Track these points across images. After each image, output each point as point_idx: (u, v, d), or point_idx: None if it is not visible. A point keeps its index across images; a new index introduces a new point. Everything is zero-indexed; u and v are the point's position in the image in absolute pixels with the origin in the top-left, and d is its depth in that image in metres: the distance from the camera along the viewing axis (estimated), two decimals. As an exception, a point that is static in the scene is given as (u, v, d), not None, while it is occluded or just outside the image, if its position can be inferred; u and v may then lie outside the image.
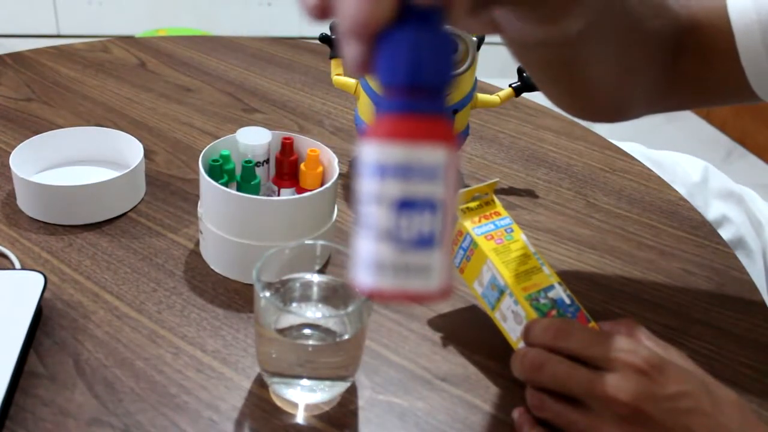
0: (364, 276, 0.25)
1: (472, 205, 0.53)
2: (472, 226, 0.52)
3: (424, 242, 0.23)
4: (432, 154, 0.23)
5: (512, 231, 0.52)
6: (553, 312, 0.48)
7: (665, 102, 0.57)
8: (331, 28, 0.70)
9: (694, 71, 0.54)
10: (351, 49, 0.26)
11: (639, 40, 0.51)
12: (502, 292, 0.50)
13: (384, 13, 0.24)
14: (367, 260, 0.24)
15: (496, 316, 0.51)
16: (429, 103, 0.24)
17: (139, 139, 0.66)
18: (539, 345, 0.45)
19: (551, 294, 0.49)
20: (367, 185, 0.24)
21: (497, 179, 0.54)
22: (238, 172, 0.60)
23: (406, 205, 0.23)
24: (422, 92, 0.24)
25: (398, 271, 0.23)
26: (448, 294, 0.25)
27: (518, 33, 0.35)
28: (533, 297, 0.49)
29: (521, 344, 0.48)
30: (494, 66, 1.73)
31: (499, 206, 0.54)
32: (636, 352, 0.41)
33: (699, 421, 0.40)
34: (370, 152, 0.24)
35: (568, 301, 0.49)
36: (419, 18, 0.24)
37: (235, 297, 0.55)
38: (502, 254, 0.50)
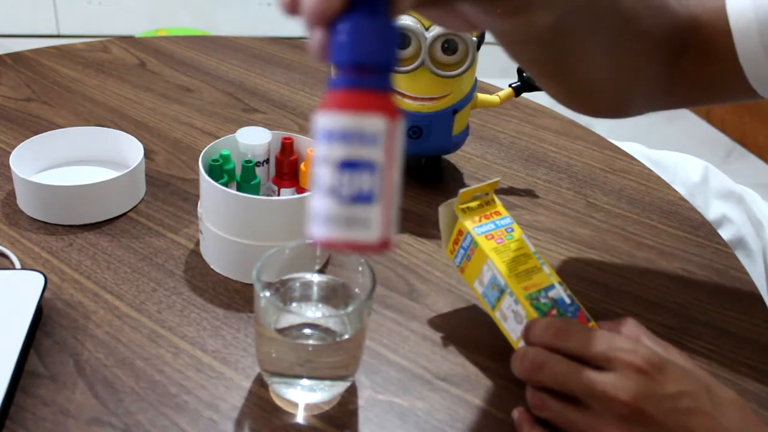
0: (314, 228, 0.28)
1: (473, 204, 0.53)
2: (472, 225, 0.52)
3: (364, 198, 0.27)
4: (371, 123, 0.27)
5: (512, 231, 0.52)
6: (554, 311, 0.48)
7: (666, 100, 0.57)
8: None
9: (694, 70, 0.54)
10: (312, 37, 0.29)
11: (636, 38, 0.51)
12: (502, 292, 0.50)
13: (336, 3, 0.28)
14: (317, 214, 0.28)
15: (497, 316, 0.51)
16: (371, 80, 0.28)
17: (139, 139, 0.66)
18: (539, 344, 0.45)
19: (551, 293, 0.49)
20: (318, 149, 0.28)
21: (497, 179, 0.54)
22: (238, 172, 0.60)
23: (347, 165, 0.27)
24: (365, 70, 0.28)
25: (342, 224, 0.27)
26: (388, 246, 0.28)
27: (488, 27, 0.36)
28: (533, 296, 0.49)
29: (521, 344, 0.48)
30: (494, 66, 1.73)
31: (499, 206, 0.54)
32: (636, 351, 0.41)
33: (699, 420, 0.40)
34: (320, 121, 0.28)
35: (568, 300, 0.49)
36: (367, 7, 0.27)
37: (235, 297, 0.55)
38: (502, 254, 0.50)
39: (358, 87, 0.27)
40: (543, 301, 0.49)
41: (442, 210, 0.54)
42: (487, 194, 0.54)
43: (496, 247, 0.51)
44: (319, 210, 0.28)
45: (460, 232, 0.52)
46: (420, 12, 0.33)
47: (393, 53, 0.28)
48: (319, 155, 0.28)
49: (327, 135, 0.27)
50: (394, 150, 0.28)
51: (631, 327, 0.48)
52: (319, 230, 0.28)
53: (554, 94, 0.55)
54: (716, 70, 0.53)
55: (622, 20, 0.49)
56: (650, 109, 0.58)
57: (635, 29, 0.50)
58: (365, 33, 0.27)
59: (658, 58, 0.53)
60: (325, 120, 0.27)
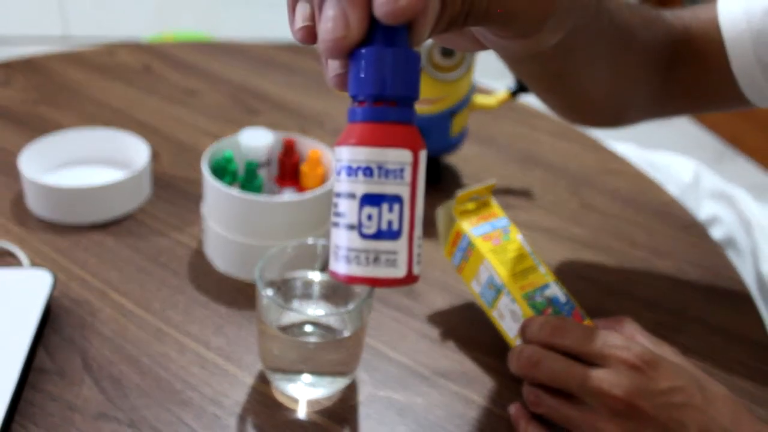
0: (338, 265, 0.27)
1: (470, 206, 0.54)
2: (469, 227, 0.53)
3: (389, 234, 0.26)
4: (396, 156, 0.26)
5: (509, 231, 0.53)
6: (549, 310, 0.49)
7: (662, 110, 0.58)
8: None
9: (688, 81, 0.55)
10: (329, 67, 0.29)
11: (633, 51, 0.51)
12: (499, 291, 0.51)
13: (354, 34, 0.26)
14: (341, 250, 0.27)
15: (494, 315, 0.52)
16: (392, 113, 0.27)
17: (144, 141, 0.67)
18: (536, 342, 0.46)
19: (547, 292, 0.50)
20: (340, 184, 0.27)
21: (494, 181, 0.55)
22: (241, 172, 0.60)
23: (371, 200, 0.26)
24: (386, 103, 0.27)
25: (367, 260, 0.26)
26: (413, 280, 0.28)
27: (498, 47, 0.37)
28: (530, 295, 0.49)
29: (518, 341, 0.49)
30: (491, 69, 1.74)
31: (496, 207, 0.55)
32: (629, 348, 0.42)
33: (691, 415, 0.40)
34: (342, 154, 0.27)
35: (563, 299, 0.50)
36: (386, 37, 0.26)
37: (238, 295, 0.56)
38: (499, 254, 0.51)
39: (380, 120, 0.27)
40: (539, 300, 0.49)
41: (440, 212, 0.55)
42: (483, 196, 0.55)
43: (492, 248, 0.51)
44: (342, 245, 0.27)
45: (458, 234, 0.53)
46: (434, 38, 0.33)
47: (415, 84, 0.27)
48: (342, 190, 0.27)
49: (349, 169, 0.26)
50: (419, 183, 0.27)
51: (624, 325, 0.49)
52: (343, 267, 0.27)
53: (553, 107, 0.55)
54: (710, 80, 0.54)
55: (619, 34, 0.49)
56: (646, 119, 0.59)
57: (632, 42, 0.51)
58: (386, 64, 0.26)
59: (654, 70, 0.54)
60: (347, 153, 0.26)
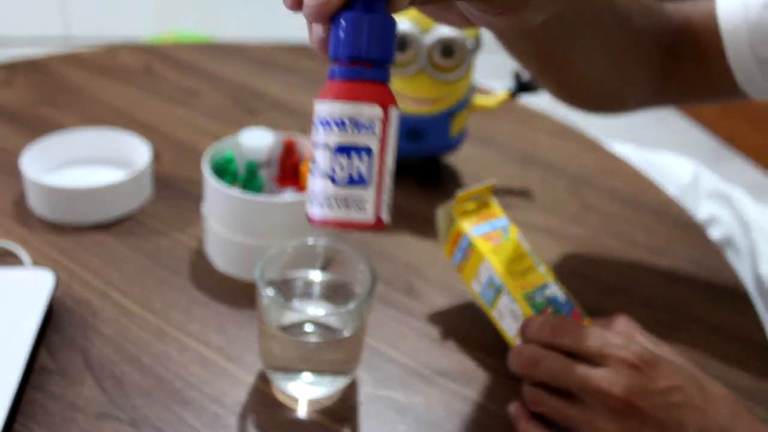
0: (313, 209, 0.30)
1: (470, 206, 0.54)
2: (470, 227, 0.53)
3: (359, 181, 0.28)
4: (367, 112, 0.28)
5: (509, 232, 0.53)
6: (549, 309, 0.49)
7: (659, 98, 0.58)
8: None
9: (687, 71, 0.55)
10: (313, 31, 0.31)
11: (630, 37, 0.52)
12: (499, 291, 0.51)
13: (335, 1, 0.29)
14: (315, 196, 0.29)
15: (494, 315, 0.52)
16: (366, 73, 0.29)
17: (145, 141, 0.67)
18: (535, 341, 0.46)
19: (547, 292, 0.50)
20: (317, 135, 0.29)
21: (494, 181, 0.55)
22: (242, 172, 0.61)
23: (343, 150, 0.28)
24: (363, 63, 0.29)
25: (338, 205, 0.29)
26: (381, 225, 0.30)
27: (484, 23, 0.37)
28: (529, 295, 0.50)
29: (518, 341, 0.49)
30: (492, 69, 1.74)
31: (496, 207, 0.55)
32: (628, 347, 0.42)
33: (690, 414, 0.41)
34: (319, 108, 0.29)
35: (563, 298, 0.50)
36: (365, 3, 0.29)
37: (239, 295, 0.56)
38: (499, 254, 0.51)
39: (355, 78, 0.29)
40: (539, 299, 0.50)
41: (440, 212, 0.55)
42: (483, 196, 0.55)
43: (492, 248, 0.52)
44: (317, 192, 0.29)
45: (458, 234, 0.53)
46: (418, 8, 0.34)
47: (390, 48, 0.29)
48: (318, 141, 0.29)
49: (325, 122, 0.29)
50: (389, 137, 0.29)
51: (624, 324, 0.49)
52: (317, 211, 0.29)
53: (550, 89, 0.56)
54: (708, 72, 0.54)
55: (616, 19, 0.49)
56: (644, 107, 0.59)
57: (629, 28, 0.51)
58: (362, 28, 0.28)
59: (652, 58, 0.54)
60: (324, 108, 0.29)
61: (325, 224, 0.29)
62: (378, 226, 0.29)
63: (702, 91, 0.57)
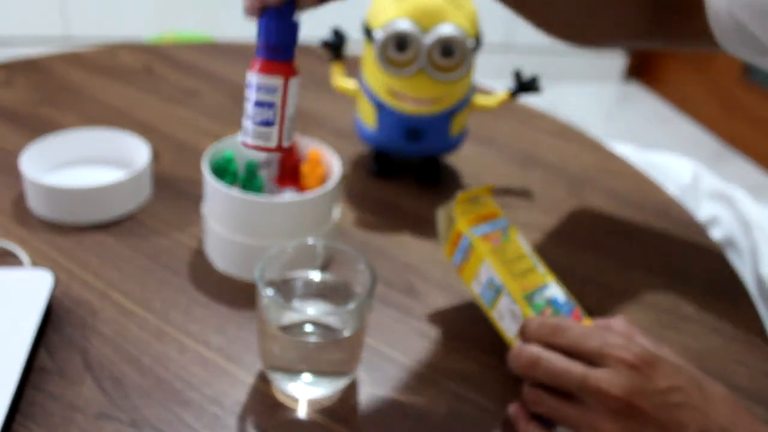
0: (244, 138, 0.44)
1: (470, 207, 0.54)
2: (469, 227, 0.53)
3: (267, 123, 0.43)
4: (273, 81, 0.42)
5: (508, 232, 0.53)
6: (549, 310, 0.49)
7: (643, 41, 0.63)
8: (334, 33, 0.71)
9: (671, 19, 0.58)
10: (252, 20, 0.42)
11: None
12: (499, 292, 0.51)
13: (255, 6, 0.41)
14: (244, 130, 0.43)
15: (494, 315, 0.52)
16: (277, 54, 0.42)
17: (145, 141, 0.67)
18: (535, 342, 0.46)
19: (547, 293, 0.50)
20: (247, 92, 0.43)
21: (493, 184, 0.55)
22: (242, 172, 0.61)
23: (259, 104, 0.42)
24: (274, 48, 0.42)
25: (256, 136, 0.43)
26: (282, 150, 0.44)
27: None
28: (529, 296, 0.50)
29: (518, 341, 0.49)
30: (491, 69, 1.74)
31: (495, 208, 0.55)
32: (628, 348, 0.42)
33: (690, 414, 0.41)
34: (248, 77, 0.43)
35: (563, 299, 0.50)
36: (278, 6, 0.41)
37: (239, 295, 0.56)
38: (499, 255, 0.51)
39: (269, 58, 0.42)
40: (538, 300, 0.50)
41: (440, 213, 0.55)
42: (483, 197, 0.55)
43: (492, 249, 0.52)
44: (246, 127, 0.43)
45: (458, 235, 0.53)
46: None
47: (293, 37, 0.42)
48: (247, 96, 0.43)
49: (250, 85, 0.42)
50: (288, 96, 0.43)
51: (623, 325, 0.49)
52: (245, 139, 0.44)
53: (532, 23, 0.60)
54: (690, 22, 0.57)
55: None
56: (628, 46, 0.63)
57: None
58: (272, 26, 0.41)
59: (640, 4, 0.57)
60: (250, 76, 0.42)
61: (248, 147, 0.43)
62: (279, 149, 0.43)
63: (685, 40, 0.61)
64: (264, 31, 0.41)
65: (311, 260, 0.49)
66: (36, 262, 0.57)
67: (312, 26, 0.85)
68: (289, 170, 0.62)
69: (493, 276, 0.51)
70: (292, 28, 0.42)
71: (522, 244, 0.53)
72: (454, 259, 0.55)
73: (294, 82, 0.43)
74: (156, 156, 0.72)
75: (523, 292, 0.50)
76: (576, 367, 0.43)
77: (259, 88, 0.42)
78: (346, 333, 0.46)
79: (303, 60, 0.99)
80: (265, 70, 0.42)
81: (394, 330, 0.54)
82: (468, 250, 0.53)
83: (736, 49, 0.54)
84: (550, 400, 0.44)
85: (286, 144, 0.44)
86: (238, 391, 0.48)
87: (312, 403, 0.47)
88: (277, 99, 0.42)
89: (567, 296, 0.51)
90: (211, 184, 0.55)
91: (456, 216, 0.53)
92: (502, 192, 0.73)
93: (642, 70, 2.72)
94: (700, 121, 2.47)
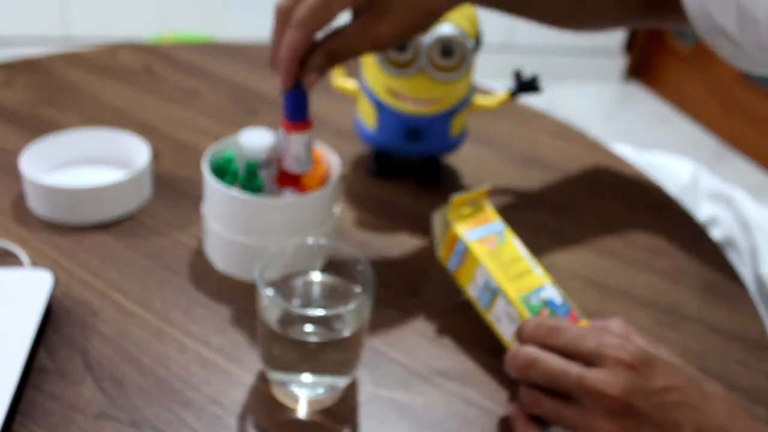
0: (291, 167, 0.56)
1: (465, 211, 0.54)
2: (465, 231, 0.53)
3: (303, 161, 0.55)
4: (299, 135, 0.54)
5: (504, 235, 0.53)
6: (545, 311, 0.49)
7: (625, 23, 0.67)
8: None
9: (653, 5, 0.63)
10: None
11: None
12: (495, 294, 0.51)
13: (281, 88, 0.52)
14: (291, 162, 0.55)
15: (490, 318, 0.52)
16: (294, 116, 0.54)
17: (145, 141, 0.67)
18: (531, 343, 0.46)
19: (543, 294, 0.50)
20: (281, 142, 0.56)
21: (490, 186, 0.55)
22: (242, 172, 0.61)
23: (296, 150, 0.55)
24: (294, 115, 0.54)
25: (299, 164, 0.55)
26: (307, 170, 0.56)
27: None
28: (526, 298, 0.50)
29: (515, 344, 0.49)
30: (491, 69, 1.74)
31: (491, 212, 0.55)
32: (625, 347, 0.42)
33: (687, 414, 0.41)
34: (278, 130, 0.56)
35: (559, 300, 0.50)
36: (296, 86, 0.53)
37: (239, 295, 0.56)
38: (494, 258, 0.52)
39: (289, 119, 0.54)
40: (535, 302, 0.50)
41: (436, 217, 0.55)
42: (479, 201, 0.55)
43: (488, 252, 0.52)
44: (292, 163, 0.56)
45: (453, 238, 0.54)
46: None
47: (305, 108, 0.54)
48: (282, 143, 0.56)
49: (281, 135, 0.55)
50: (293, 142, 0.55)
51: (620, 325, 0.49)
52: (293, 168, 0.55)
53: (526, 21, 0.64)
54: (671, 8, 0.61)
55: None
56: (612, 29, 0.67)
57: None
58: (292, 101, 0.53)
59: None
60: (279, 130, 0.55)
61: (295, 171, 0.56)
62: (306, 170, 0.57)
63: (665, 23, 0.66)
64: (285, 103, 0.54)
65: (311, 260, 0.49)
66: (36, 262, 0.57)
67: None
68: (289, 170, 0.62)
69: (489, 279, 0.51)
70: (302, 98, 0.53)
71: (518, 246, 0.53)
72: (450, 263, 0.55)
73: (310, 134, 0.55)
74: (156, 156, 0.72)
75: (519, 294, 0.50)
76: (573, 368, 0.43)
77: (283, 138, 0.55)
78: (346, 333, 0.46)
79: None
80: (288, 127, 0.54)
81: (394, 330, 0.54)
82: (464, 254, 0.53)
83: (708, 35, 0.59)
84: (547, 402, 0.44)
85: (293, 169, 0.56)
86: (238, 391, 0.48)
87: (312, 403, 0.48)
88: (306, 143, 0.55)
89: (564, 298, 0.51)
90: (211, 184, 0.55)
91: (451, 220, 0.53)
92: (503, 192, 0.73)
93: (642, 70, 2.72)
94: (701, 121, 2.47)
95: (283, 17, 0.49)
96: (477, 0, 0.57)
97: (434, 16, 0.52)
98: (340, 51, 0.51)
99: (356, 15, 0.51)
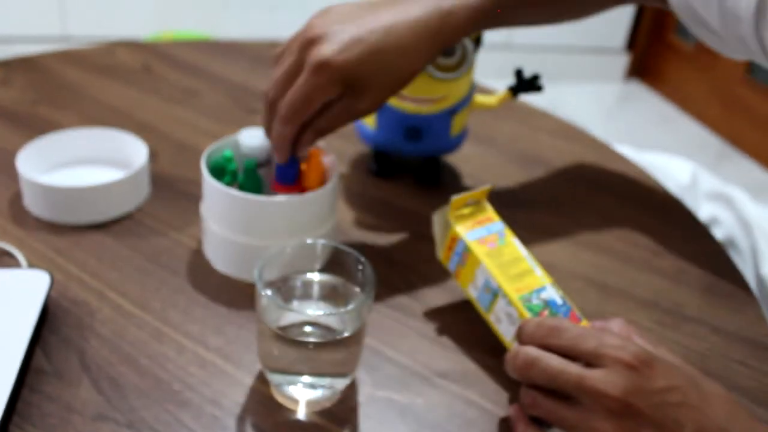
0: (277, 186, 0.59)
1: (465, 211, 0.54)
2: (465, 231, 0.53)
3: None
4: (283, 198, 0.55)
5: (504, 235, 0.53)
6: (545, 312, 0.49)
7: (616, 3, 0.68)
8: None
9: None
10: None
11: None
12: (495, 295, 0.51)
13: (280, 159, 0.56)
14: (280, 180, 0.58)
15: (491, 319, 0.52)
16: (284, 180, 0.57)
17: (143, 141, 0.67)
18: (531, 343, 0.45)
19: (543, 295, 0.50)
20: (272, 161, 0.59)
21: (489, 186, 0.55)
22: (241, 172, 0.60)
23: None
24: (284, 180, 0.57)
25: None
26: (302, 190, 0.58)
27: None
28: (526, 298, 0.49)
29: (514, 344, 0.49)
30: (492, 69, 1.74)
31: (491, 212, 0.55)
32: (625, 348, 0.42)
33: (687, 414, 0.40)
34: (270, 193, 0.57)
35: (559, 301, 0.50)
36: (290, 159, 0.56)
37: (238, 295, 0.56)
38: (495, 258, 0.51)
39: (280, 183, 0.58)
40: (535, 302, 0.49)
41: (436, 217, 0.55)
42: (479, 201, 0.55)
43: (488, 252, 0.52)
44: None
45: (454, 239, 0.53)
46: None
47: (295, 174, 0.58)
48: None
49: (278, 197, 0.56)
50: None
51: (620, 325, 0.49)
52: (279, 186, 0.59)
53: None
54: None
55: None
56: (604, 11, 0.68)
57: None
58: (284, 171, 0.57)
59: None
60: (272, 194, 0.56)
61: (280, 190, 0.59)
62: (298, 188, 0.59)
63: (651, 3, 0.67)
64: (277, 173, 0.57)
65: (311, 260, 0.49)
66: (33, 263, 0.57)
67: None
68: (289, 170, 0.62)
69: (489, 279, 0.51)
70: (291, 166, 0.57)
71: (518, 246, 0.53)
72: (451, 264, 0.54)
73: (288, 198, 0.55)
74: (155, 155, 0.71)
75: (519, 295, 0.49)
76: (573, 368, 0.42)
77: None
78: (346, 333, 0.46)
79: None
80: (280, 190, 0.57)
81: (394, 330, 0.54)
82: (464, 255, 0.53)
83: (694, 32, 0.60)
84: (547, 402, 0.44)
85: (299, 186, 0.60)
86: (236, 392, 0.48)
87: (311, 404, 0.47)
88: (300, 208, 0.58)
89: (564, 298, 0.50)
90: (210, 183, 0.55)
91: (451, 220, 0.53)
92: (503, 191, 0.73)
93: (643, 70, 2.72)
94: (702, 120, 2.47)
95: (271, 108, 0.55)
96: (457, 34, 0.57)
97: (411, 77, 0.56)
98: (327, 128, 0.56)
99: (338, 96, 0.54)
